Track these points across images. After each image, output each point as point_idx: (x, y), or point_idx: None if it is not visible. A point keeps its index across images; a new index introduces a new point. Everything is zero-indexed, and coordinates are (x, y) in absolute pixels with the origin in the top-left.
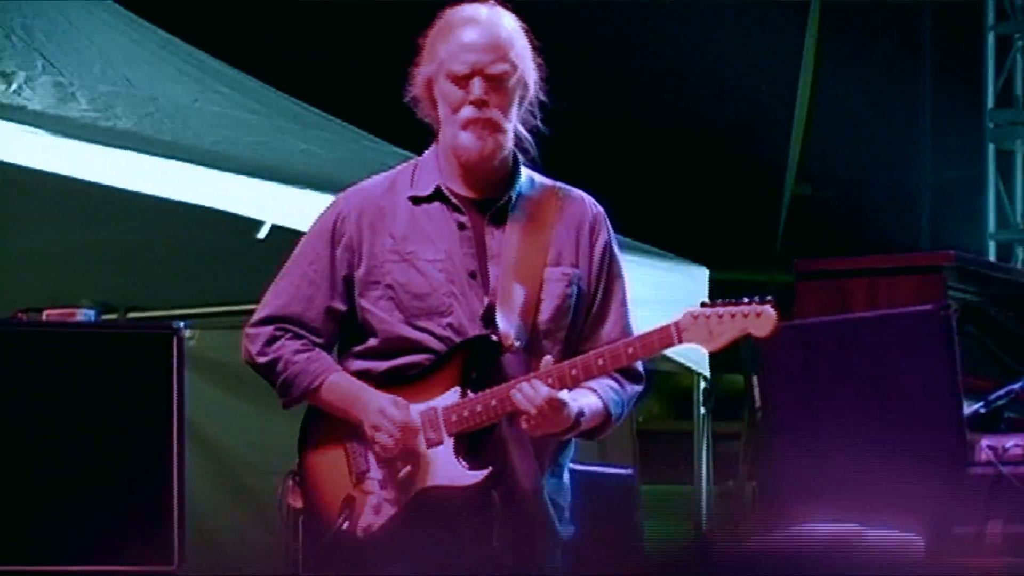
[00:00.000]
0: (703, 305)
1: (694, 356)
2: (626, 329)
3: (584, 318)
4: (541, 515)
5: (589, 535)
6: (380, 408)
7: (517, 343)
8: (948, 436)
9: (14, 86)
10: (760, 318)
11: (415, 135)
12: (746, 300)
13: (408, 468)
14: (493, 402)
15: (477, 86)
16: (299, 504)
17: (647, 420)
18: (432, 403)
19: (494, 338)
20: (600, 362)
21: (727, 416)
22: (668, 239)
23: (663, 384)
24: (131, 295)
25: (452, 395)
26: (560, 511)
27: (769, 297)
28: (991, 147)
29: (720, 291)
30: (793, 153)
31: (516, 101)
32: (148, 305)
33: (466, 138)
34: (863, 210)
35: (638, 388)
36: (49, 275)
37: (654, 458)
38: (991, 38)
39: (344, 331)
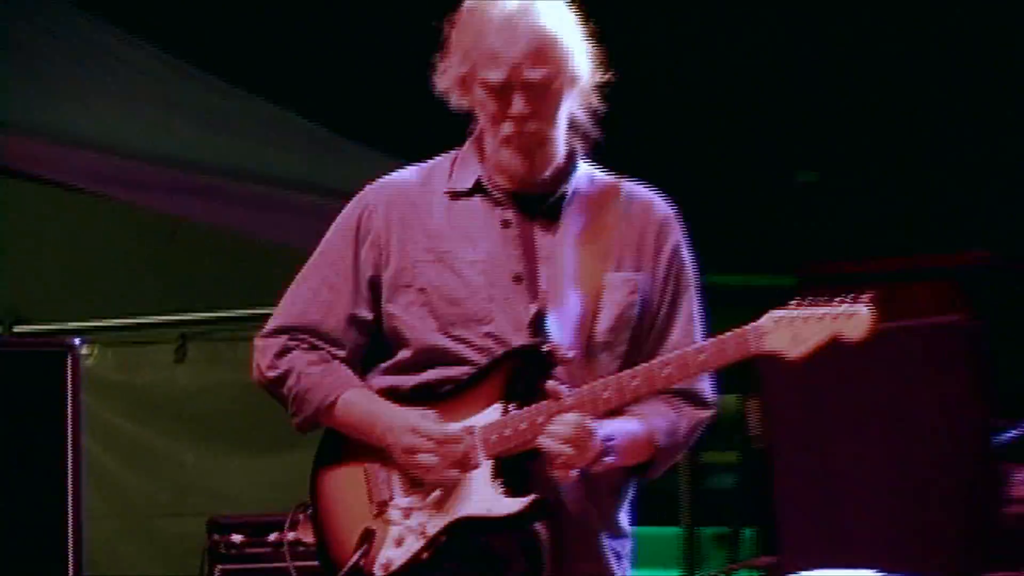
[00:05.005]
0: (785, 307)
1: None
2: None
3: (647, 333)
4: (597, 560)
5: None
6: (411, 427)
7: (571, 354)
8: (977, 469)
9: None
10: (853, 319)
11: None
12: (836, 300)
13: (438, 494)
14: (535, 421)
15: (517, 100)
16: (311, 539)
17: None
18: (469, 422)
19: (545, 348)
20: (666, 372)
21: (718, 446)
22: None
23: None
24: (18, 304)
25: (492, 412)
26: (617, 557)
27: (866, 295)
28: None
29: (713, 297)
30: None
31: (565, 100)
32: (37, 317)
33: (508, 156)
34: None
35: (702, 415)
36: None
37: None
38: None
39: (370, 345)
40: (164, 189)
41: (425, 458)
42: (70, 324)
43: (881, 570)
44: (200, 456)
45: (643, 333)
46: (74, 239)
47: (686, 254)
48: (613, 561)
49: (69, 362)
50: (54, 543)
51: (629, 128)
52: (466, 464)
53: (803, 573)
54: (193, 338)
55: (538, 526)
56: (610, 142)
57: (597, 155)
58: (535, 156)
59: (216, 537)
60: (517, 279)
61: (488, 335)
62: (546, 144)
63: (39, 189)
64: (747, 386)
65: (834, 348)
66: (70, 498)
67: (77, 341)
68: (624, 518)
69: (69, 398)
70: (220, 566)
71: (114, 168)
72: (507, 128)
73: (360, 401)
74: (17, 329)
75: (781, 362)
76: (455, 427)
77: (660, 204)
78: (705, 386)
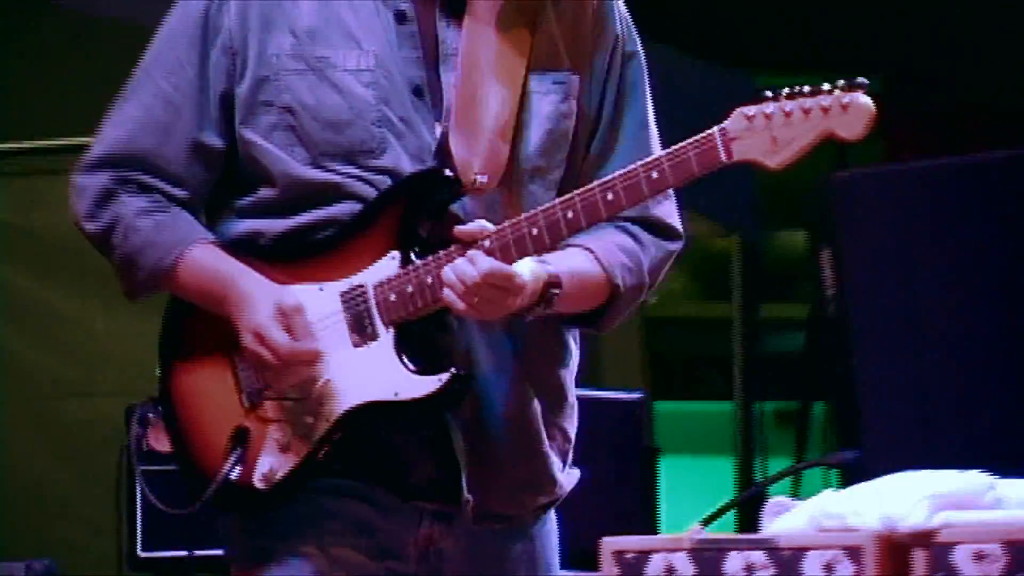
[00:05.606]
0: (758, 101)
1: (729, 203)
2: None
3: (587, 152)
4: (534, 458)
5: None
6: (256, 326)
7: (484, 179)
8: None
9: None
10: (849, 111)
11: None
12: (825, 87)
13: (327, 381)
14: (431, 278)
15: None
16: (165, 447)
17: (665, 303)
18: (358, 277)
19: (448, 173)
20: (610, 196)
21: (782, 296)
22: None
23: (685, 250)
24: None
25: (388, 264)
26: (562, 444)
27: (860, 79)
28: None
29: None
30: None
31: None
32: None
33: None
34: None
35: (671, 246)
36: None
37: (674, 363)
38: None
39: (222, 178)
40: None
41: (265, 374)
42: None
43: (990, 471)
44: (114, 320)
45: (582, 153)
46: None
47: (636, 46)
48: (555, 460)
49: None
50: None
51: None
52: (343, 350)
53: (894, 475)
54: None
55: (450, 418)
56: None
57: None
58: None
59: (137, 429)
60: (418, 91)
61: (380, 169)
62: None
63: None
64: (820, 227)
65: (938, 180)
66: None
67: None
68: (570, 394)
69: None
70: (142, 467)
71: None
72: None
73: (207, 264)
74: None
75: (865, 200)
76: (336, 287)
77: None
78: (669, 209)
